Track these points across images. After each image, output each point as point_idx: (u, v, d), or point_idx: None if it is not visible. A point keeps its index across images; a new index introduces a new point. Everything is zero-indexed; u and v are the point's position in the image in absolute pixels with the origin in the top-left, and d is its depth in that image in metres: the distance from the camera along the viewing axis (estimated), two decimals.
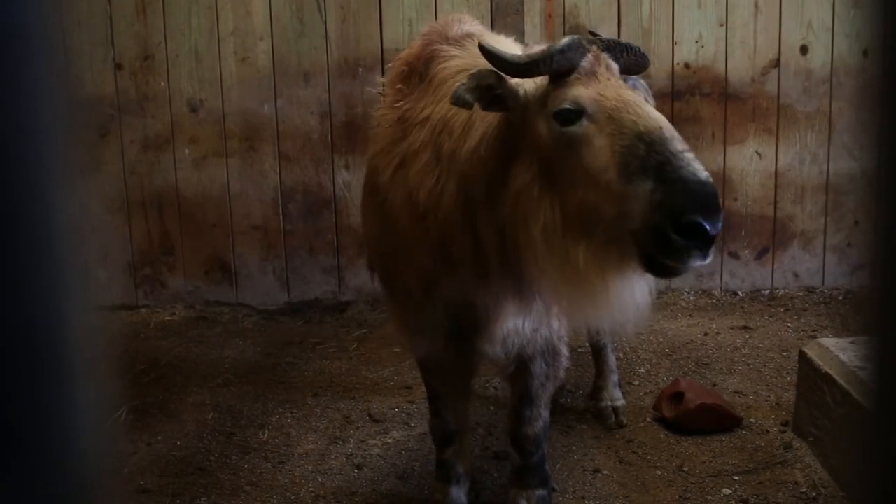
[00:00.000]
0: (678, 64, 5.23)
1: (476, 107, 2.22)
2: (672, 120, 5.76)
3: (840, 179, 5.28)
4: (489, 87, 2.22)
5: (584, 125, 2.09)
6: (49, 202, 0.59)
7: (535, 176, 2.17)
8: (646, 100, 2.23)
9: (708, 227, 1.89)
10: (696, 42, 5.22)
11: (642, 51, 2.34)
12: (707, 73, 5.25)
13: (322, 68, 5.25)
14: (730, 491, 3.18)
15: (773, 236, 5.37)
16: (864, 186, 0.65)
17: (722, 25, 5.20)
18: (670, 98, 5.25)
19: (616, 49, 2.25)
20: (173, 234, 5.46)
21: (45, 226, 0.59)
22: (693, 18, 5.20)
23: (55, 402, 0.59)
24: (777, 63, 5.21)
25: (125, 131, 5.36)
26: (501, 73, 2.21)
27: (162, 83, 5.32)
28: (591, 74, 2.16)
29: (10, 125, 0.56)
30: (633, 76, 2.37)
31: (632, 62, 2.30)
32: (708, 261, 1.97)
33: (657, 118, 2.06)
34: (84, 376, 0.61)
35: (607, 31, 5.20)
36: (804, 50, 5.19)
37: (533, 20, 5.18)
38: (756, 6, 5.18)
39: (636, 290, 2.24)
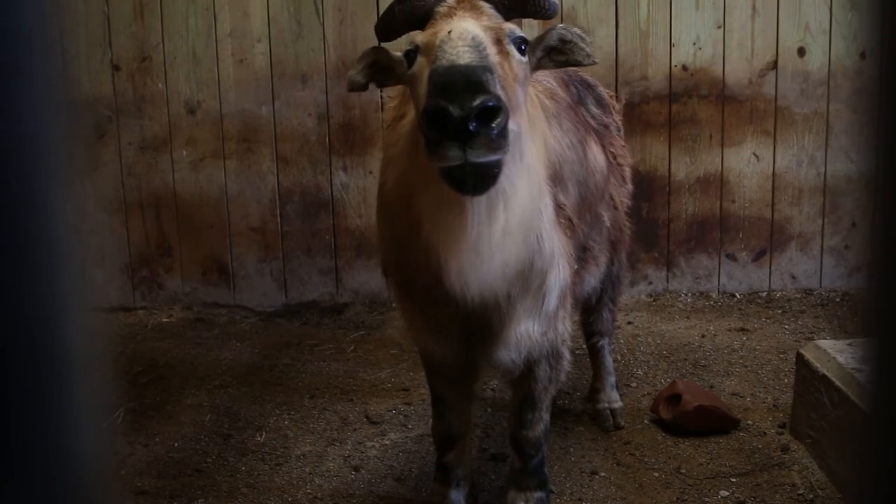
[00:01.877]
0: (676, 66, 5.24)
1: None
2: (669, 122, 5.77)
3: (837, 181, 5.28)
4: (374, 63, 2.24)
5: (418, 62, 2.07)
6: (46, 203, 0.59)
7: (412, 130, 2.15)
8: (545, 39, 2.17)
9: (451, 110, 1.76)
10: (694, 44, 5.22)
11: None
12: (704, 75, 5.25)
13: (320, 70, 5.26)
14: (727, 493, 3.18)
15: (771, 238, 5.37)
16: (862, 188, 0.65)
17: (719, 27, 5.21)
18: (668, 100, 5.26)
19: None
20: (171, 236, 5.45)
21: (43, 227, 0.58)
22: (691, 20, 5.21)
23: (52, 404, 0.59)
24: (774, 65, 5.22)
25: (123, 132, 5.36)
26: (381, 46, 2.24)
27: (159, 84, 5.32)
28: (447, 17, 2.09)
29: (8, 126, 0.56)
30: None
31: (517, 4, 2.17)
32: (475, 157, 1.82)
33: (462, 24, 1.96)
34: (81, 377, 0.61)
35: (605, 33, 5.21)
36: (801, 52, 5.20)
37: (530, 22, 5.17)
38: (753, 8, 5.19)
39: (468, 219, 2.01)
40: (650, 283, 5.43)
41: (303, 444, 3.70)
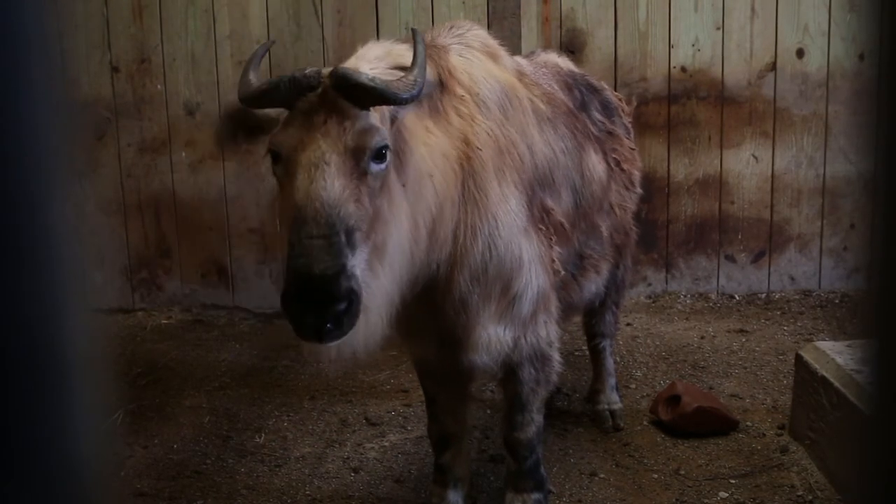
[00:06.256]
0: (675, 67, 5.24)
1: None
2: (669, 123, 5.77)
3: (836, 183, 5.29)
4: (241, 123, 2.32)
5: (280, 169, 2.14)
6: (46, 205, 0.58)
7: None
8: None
9: (306, 320, 1.97)
10: (693, 46, 5.22)
11: (388, 91, 2.11)
12: (703, 76, 5.25)
13: None
14: (726, 494, 3.18)
15: (770, 239, 5.37)
16: (861, 190, 0.65)
17: (718, 29, 5.21)
18: (667, 101, 5.26)
19: (344, 86, 2.10)
20: (170, 238, 5.45)
21: (42, 229, 0.58)
22: (690, 22, 5.21)
23: (52, 405, 0.59)
24: (773, 67, 5.22)
25: (122, 134, 5.36)
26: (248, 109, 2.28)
27: (159, 86, 5.32)
28: (306, 116, 2.10)
29: (7, 128, 0.56)
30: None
31: (376, 98, 2.12)
32: (329, 340, 2.01)
33: (308, 192, 2.01)
34: (80, 379, 0.61)
35: (604, 35, 5.22)
36: (800, 53, 5.20)
37: (530, 24, 5.19)
38: (752, 10, 5.19)
39: (325, 351, 2.16)
40: (649, 284, 5.43)
41: (302, 446, 3.70)
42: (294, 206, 2.02)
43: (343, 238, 2.00)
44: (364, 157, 2.08)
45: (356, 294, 2.01)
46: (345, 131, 2.07)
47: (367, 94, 2.10)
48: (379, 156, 2.11)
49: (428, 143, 2.35)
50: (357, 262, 2.03)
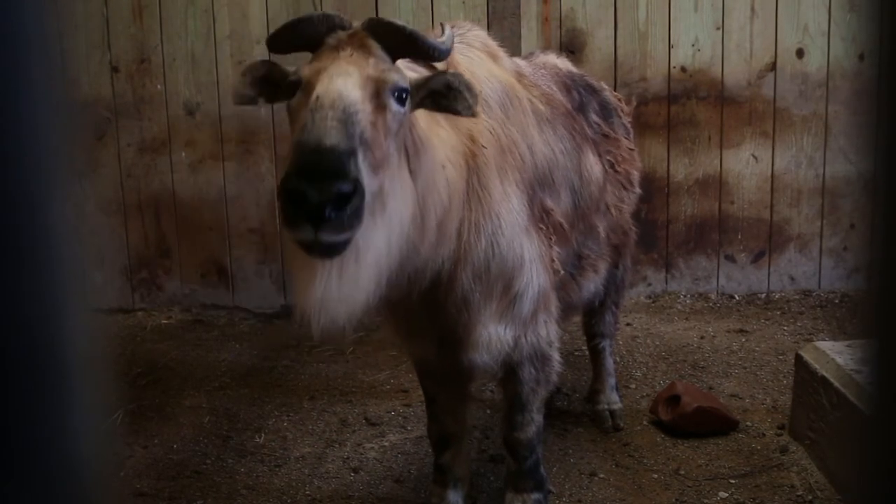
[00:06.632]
0: (675, 67, 5.24)
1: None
2: (668, 123, 5.76)
3: (836, 183, 5.29)
4: (264, 77, 2.25)
5: (298, 97, 2.08)
6: (46, 205, 0.58)
7: None
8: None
9: (308, 195, 1.79)
10: (693, 45, 5.22)
11: (419, 37, 2.14)
12: (703, 76, 5.26)
13: None
14: (726, 494, 3.18)
15: (770, 239, 5.37)
16: (861, 190, 0.65)
17: (718, 29, 5.21)
18: (667, 101, 5.26)
19: (377, 28, 2.12)
20: (170, 238, 5.45)
21: (42, 229, 0.58)
22: (689, 22, 5.21)
23: (52, 405, 0.59)
24: (773, 67, 5.23)
25: (122, 134, 5.36)
26: (272, 61, 2.24)
27: (158, 86, 5.32)
28: (335, 51, 2.09)
29: (7, 128, 0.56)
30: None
31: (407, 47, 2.15)
32: (325, 237, 1.84)
33: (336, 86, 1.95)
34: (80, 379, 0.61)
35: (604, 35, 5.22)
36: (800, 53, 5.20)
37: (529, 24, 5.19)
38: (752, 10, 5.19)
39: (318, 276, 1.99)
40: (649, 284, 5.43)
41: (302, 446, 3.70)
42: (309, 101, 1.94)
43: (357, 138, 1.91)
44: (385, 91, 2.05)
45: (362, 190, 1.88)
46: (369, 63, 2.06)
47: (402, 39, 2.12)
48: (399, 97, 2.08)
49: (440, 135, 2.35)
50: (365, 177, 1.91)
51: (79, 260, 0.60)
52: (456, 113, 2.21)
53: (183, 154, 5.37)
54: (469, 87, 2.18)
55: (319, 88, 1.96)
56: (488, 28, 4.88)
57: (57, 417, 0.60)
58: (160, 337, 5.11)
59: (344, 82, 1.97)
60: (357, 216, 1.89)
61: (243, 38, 5.26)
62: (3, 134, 0.56)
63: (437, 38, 2.20)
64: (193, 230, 5.43)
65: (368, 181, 1.92)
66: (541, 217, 2.69)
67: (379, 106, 2.03)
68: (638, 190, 3.57)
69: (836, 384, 3.15)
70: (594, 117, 3.31)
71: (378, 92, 2.04)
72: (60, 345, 0.60)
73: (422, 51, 2.16)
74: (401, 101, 2.09)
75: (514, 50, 4.53)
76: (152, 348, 4.92)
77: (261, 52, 5.22)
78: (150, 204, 5.43)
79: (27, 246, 0.58)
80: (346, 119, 1.91)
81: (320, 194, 1.80)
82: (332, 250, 1.91)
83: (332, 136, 1.87)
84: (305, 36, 2.15)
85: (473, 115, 2.21)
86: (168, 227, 5.44)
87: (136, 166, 5.39)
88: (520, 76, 2.88)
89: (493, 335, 2.58)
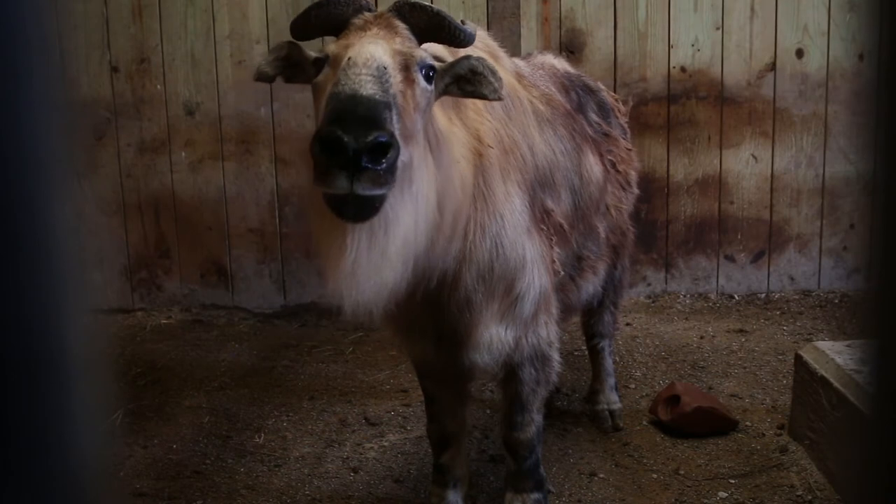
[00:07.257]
0: (674, 67, 5.24)
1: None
2: (668, 123, 5.76)
3: (836, 183, 5.29)
4: (286, 57, 2.25)
5: (325, 72, 2.08)
6: (45, 205, 0.58)
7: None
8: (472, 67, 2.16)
9: (345, 141, 1.77)
10: (693, 46, 5.23)
11: (446, 18, 2.15)
12: (703, 76, 5.26)
13: None
14: (726, 494, 3.18)
15: (769, 240, 5.38)
16: (860, 190, 0.65)
17: (718, 29, 5.21)
18: (666, 102, 5.26)
19: (404, 9, 2.14)
20: (169, 238, 5.45)
21: (42, 229, 0.58)
22: (689, 22, 5.21)
23: (51, 406, 0.59)
24: (773, 67, 5.23)
25: (121, 134, 5.36)
26: (296, 42, 2.24)
27: (158, 86, 5.32)
28: (361, 31, 2.10)
29: (6, 128, 0.56)
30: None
31: (434, 29, 2.16)
32: (361, 189, 1.82)
33: (368, 49, 1.96)
34: (80, 379, 0.61)
35: (603, 35, 5.22)
36: (800, 53, 5.20)
37: (529, 24, 5.19)
38: (752, 10, 5.19)
39: (348, 243, 1.96)
40: (649, 284, 5.43)
41: (301, 446, 3.70)
42: (339, 68, 1.93)
43: (391, 95, 1.91)
44: (413, 65, 2.05)
45: (398, 145, 1.86)
46: (395, 41, 2.07)
47: (428, 21, 2.13)
48: (427, 75, 2.08)
49: (454, 132, 2.35)
50: (399, 138, 1.89)
51: (79, 260, 0.60)
52: (482, 97, 2.22)
53: (182, 154, 5.37)
54: (493, 71, 2.19)
55: (351, 53, 1.96)
56: (488, 28, 4.88)
57: (57, 417, 0.60)
58: (160, 337, 5.11)
59: (375, 48, 1.99)
60: (392, 172, 1.87)
61: (243, 38, 5.26)
62: (3, 134, 0.56)
63: (463, 25, 2.21)
64: (193, 230, 5.43)
65: (402, 144, 1.91)
66: (542, 218, 2.69)
67: (408, 79, 2.03)
68: (636, 190, 3.58)
69: (836, 384, 3.15)
70: (594, 116, 3.31)
71: (407, 65, 2.05)
72: (60, 345, 0.60)
73: (448, 33, 2.17)
74: (428, 79, 2.09)
75: (514, 50, 4.53)
76: (152, 348, 4.92)
77: (261, 52, 5.23)
78: (150, 204, 5.43)
79: (27, 246, 0.58)
80: (380, 76, 1.92)
81: (357, 141, 1.78)
82: (366, 207, 1.89)
83: (369, 88, 1.87)
84: (331, 18, 2.16)
85: (500, 98, 2.22)
86: (168, 227, 5.44)
87: (135, 166, 5.39)
88: (519, 77, 2.88)
89: (495, 336, 2.58)
